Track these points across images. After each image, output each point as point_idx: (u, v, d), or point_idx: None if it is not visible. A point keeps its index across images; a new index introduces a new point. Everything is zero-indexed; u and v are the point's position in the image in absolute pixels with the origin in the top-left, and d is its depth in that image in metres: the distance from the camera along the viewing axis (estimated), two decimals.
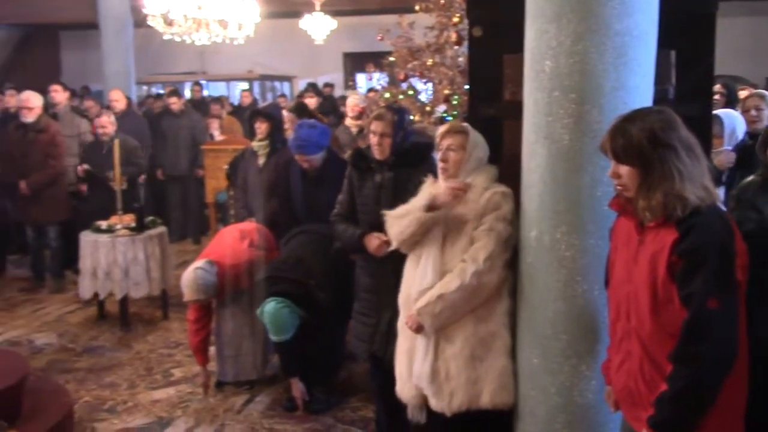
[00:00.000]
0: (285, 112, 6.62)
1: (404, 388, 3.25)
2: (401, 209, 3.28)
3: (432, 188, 3.27)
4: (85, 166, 7.01)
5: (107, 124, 6.98)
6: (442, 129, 3.35)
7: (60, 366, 5.36)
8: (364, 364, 4.53)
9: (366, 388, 4.64)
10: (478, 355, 3.06)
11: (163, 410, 4.61)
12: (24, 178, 7.00)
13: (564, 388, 2.81)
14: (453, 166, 3.19)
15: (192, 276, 4.56)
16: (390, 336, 3.66)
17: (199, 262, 4.66)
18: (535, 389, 2.91)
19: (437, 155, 3.36)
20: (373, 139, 3.79)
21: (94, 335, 6.02)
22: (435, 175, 3.50)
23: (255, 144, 5.47)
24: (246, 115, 7.73)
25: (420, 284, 3.15)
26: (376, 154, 3.78)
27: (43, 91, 7.73)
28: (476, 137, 3.23)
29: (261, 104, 12.13)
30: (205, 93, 12.93)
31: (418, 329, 3.14)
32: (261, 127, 5.40)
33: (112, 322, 6.26)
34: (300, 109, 6.44)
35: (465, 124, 3.28)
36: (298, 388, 4.48)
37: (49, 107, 7.65)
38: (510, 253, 3.05)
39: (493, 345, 3.06)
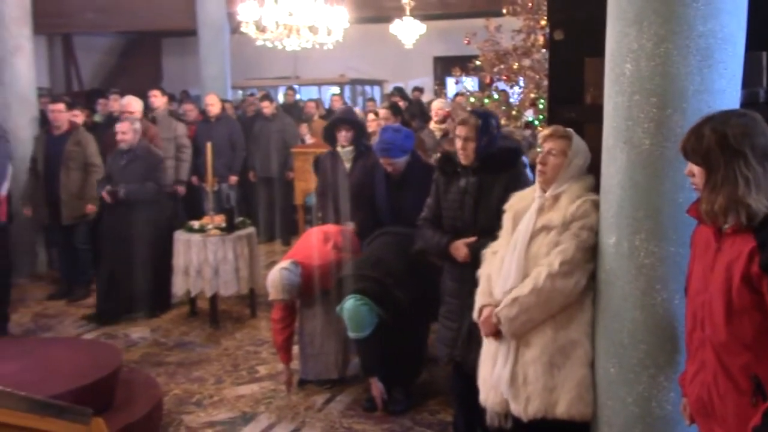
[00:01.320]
0: (382, 111, 6.71)
1: (489, 395, 3.22)
2: (495, 248, 3.25)
3: (522, 200, 3.24)
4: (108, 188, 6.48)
5: (128, 130, 6.50)
6: (544, 132, 3.29)
7: (152, 359, 5.59)
8: (446, 368, 4.54)
9: (446, 391, 4.64)
10: (557, 363, 3.01)
11: (247, 405, 4.74)
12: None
13: (642, 398, 2.74)
14: (551, 171, 3.12)
15: (277, 276, 4.68)
16: (471, 342, 3.67)
17: (284, 263, 4.78)
18: (611, 399, 2.85)
19: (532, 158, 3.34)
20: (458, 144, 3.82)
21: (185, 331, 6.26)
22: (520, 181, 3.50)
23: (340, 150, 5.51)
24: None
25: (503, 286, 3.13)
26: (461, 158, 3.80)
27: (145, 96, 8.09)
28: (579, 144, 3.14)
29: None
30: (298, 97, 13.22)
31: (492, 333, 3.13)
32: (346, 136, 5.39)
33: (203, 318, 6.49)
34: (395, 109, 6.57)
35: (569, 129, 3.18)
36: (377, 387, 4.52)
37: (148, 111, 7.99)
38: (594, 263, 2.99)
39: (572, 354, 3.00)
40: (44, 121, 7.70)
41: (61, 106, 7.10)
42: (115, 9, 13.53)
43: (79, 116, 7.75)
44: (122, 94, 8.71)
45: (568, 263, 2.96)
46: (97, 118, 9.46)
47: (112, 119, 8.65)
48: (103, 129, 8.21)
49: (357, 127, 5.50)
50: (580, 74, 3.30)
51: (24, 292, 7.37)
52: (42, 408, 2.23)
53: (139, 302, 6.49)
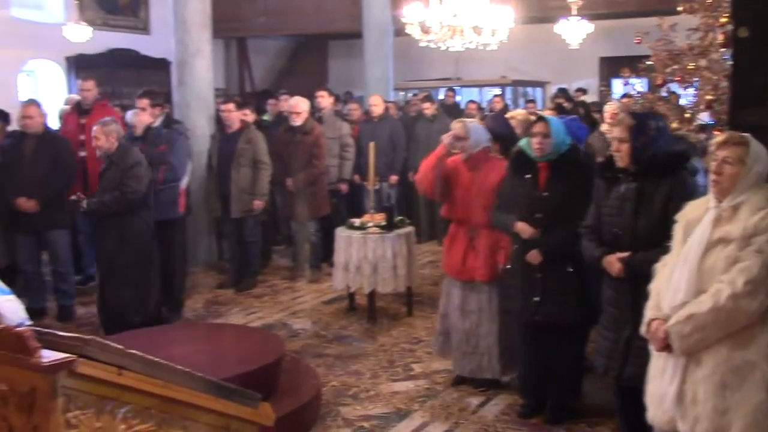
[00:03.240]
0: (547, 112, 6.61)
1: (656, 412, 3.08)
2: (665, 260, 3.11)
3: (695, 209, 3.07)
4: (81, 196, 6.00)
5: (99, 134, 5.76)
6: (718, 138, 3.09)
7: (312, 351, 5.79)
8: (604, 379, 4.39)
9: (604, 403, 4.49)
10: (730, 384, 2.82)
11: (402, 402, 4.80)
12: (290, 177, 7.67)
13: None
14: (728, 181, 2.93)
15: None
16: (629, 354, 3.54)
17: None
18: None
19: (706, 165, 3.16)
20: (613, 145, 3.70)
21: (343, 325, 6.43)
22: (685, 188, 3.32)
23: None
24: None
25: (672, 300, 2.98)
26: (617, 160, 3.67)
27: (311, 97, 8.40)
28: (758, 150, 2.94)
29: (511, 109, 12.14)
30: (458, 98, 13.24)
31: (662, 348, 2.99)
32: (494, 148, 5.31)
33: (361, 314, 6.64)
34: (560, 110, 6.44)
35: (746, 135, 2.99)
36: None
37: (315, 111, 8.29)
38: None
39: (749, 376, 2.80)
40: (220, 120, 8.17)
41: (231, 105, 7.50)
42: (286, 13, 14.17)
43: (249, 116, 8.16)
44: (291, 94, 9.09)
45: (752, 282, 2.76)
46: (266, 117, 9.94)
47: (281, 119, 9.06)
48: (272, 128, 8.61)
49: (500, 139, 5.33)
50: (766, 75, 3.08)
51: (197, 280, 7.86)
52: (216, 389, 2.36)
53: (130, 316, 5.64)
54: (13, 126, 7.13)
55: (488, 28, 7.88)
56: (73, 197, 5.96)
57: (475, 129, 4.91)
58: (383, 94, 10.46)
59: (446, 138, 4.89)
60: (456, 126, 4.94)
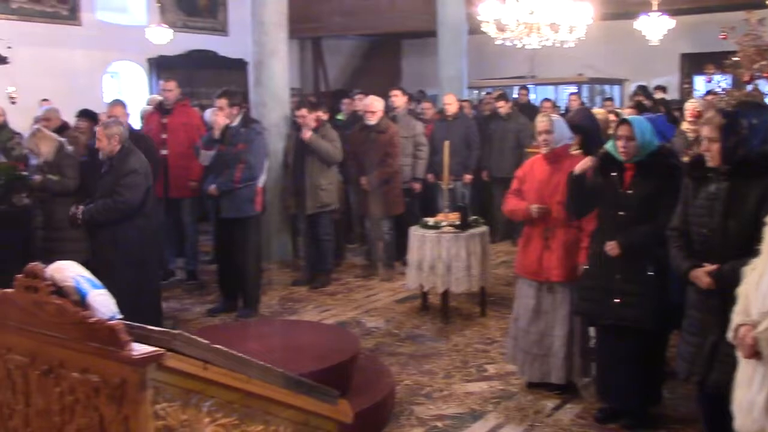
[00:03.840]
0: (626, 110, 6.49)
1: (745, 422, 2.97)
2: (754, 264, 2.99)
3: None
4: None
5: (101, 136, 5.50)
6: None
7: (385, 349, 5.80)
8: (685, 385, 4.27)
9: (685, 410, 4.37)
10: None
11: (476, 403, 4.77)
12: (365, 175, 7.71)
13: None
14: None
15: None
16: (714, 360, 3.43)
17: None
18: None
19: None
20: (703, 145, 3.58)
21: (416, 324, 6.43)
22: None
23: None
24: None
25: (762, 305, 2.87)
26: (708, 160, 3.56)
27: (385, 96, 8.43)
28: None
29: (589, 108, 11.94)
30: (532, 96, 13.08)
31: (750, 354, 2.88)
32: (574, 140, 5.23)
33: (434, 313, 6.63)
34: (640, 108, 6.30)
35: None
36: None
37: (389, 110, 8.32)
38: None
39: None
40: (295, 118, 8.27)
41: (303, 111, 7.51)
42: (361, 13, 14.28)
43: (323, 115, 8.23)
44: (365, 94, 9.15)
45: None
46: (341, 116, 10.02)
47: (355, 118, 9.13)
48: (347, 128, 8.68)
49: (583, 131, 5.24)
50: None
51: (272, 277, 7.98)
52: (296, 385, 2.40)
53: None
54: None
55: (566, 25, 7.74)
56: (72, 209, 5.56)
57: (560, 124, 4.85)
58: (457, 92, 10.40)
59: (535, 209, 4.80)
60: (541, 119, 4.88)
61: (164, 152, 7.44)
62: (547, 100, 11.56)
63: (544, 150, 4.81)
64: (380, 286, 7.70)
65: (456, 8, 11.85)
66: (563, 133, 4.82)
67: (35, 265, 2.17)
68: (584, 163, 4.36)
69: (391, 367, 5.23)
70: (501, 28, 7.85)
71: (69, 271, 2.18)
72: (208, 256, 8.47)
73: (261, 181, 6.78)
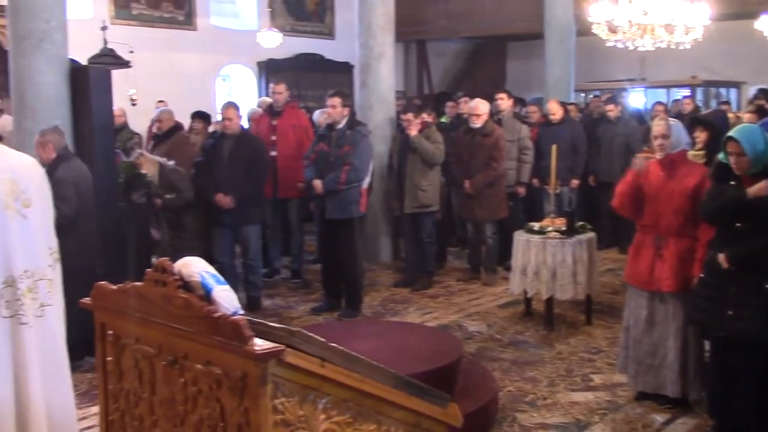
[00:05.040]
0: (746, 115, 6.25)
1: None
2: None
3: None
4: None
5: (36, 144, 5.26)
6: None
7: (488, 354, 5.76)
8: None
9: None
10: None
11: (581, 413, 4.67)
12: (468, 178, 7.68)
13: None
14: None
15: None
16: None
17: None
18: None
19: None
20: None
21: (519, 330, 6.35)
22: None
23: (691, 153, 5.17)
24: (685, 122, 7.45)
25: None
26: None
27: (490, 99, 8.37)
28: None
29: (704, 111, 11.50)
30: (642, 100, 12.71)
31: None
32: (700, 136, 5.07)
33: (537, 320, 6.53)
34: (761, 113, 6.07)
35: None
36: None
37: (494, 113, 8.26)
38: None
39: None
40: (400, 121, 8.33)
41: (409, 116, 7.56)
42: (467, 15, 14.24)
43: (428, 118, 8.25)
44: (469, 97, 9.12)
45: None
46: (444, 119, 10.03)
47: (459, 121, 9.12)
48: (451, 130, 8.67)
49: (713, 129, 5.05)
50: None
51: (374, 278, 8.07)
52: (407, 386, 2.42)
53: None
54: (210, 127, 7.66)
55: (681, 26, 7.49)
56: None
57: (677, 128, 4.68)
58: (563, 94, 10.24)
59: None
60: (658, 123, 4.73)
61: (273, 153, 7.63)
62: (659, 103, 11.20)
63: (659, 155, 4.66)
64: (482, 290, 7.65)
65: (564, 10, 11.66)
66: (680, 138, 4.66)
67: (164, 260, 2.28)
68: (760, 189, 3.98)
69: (493, 372, 5.18)
70: (613, 30, 7.67)
71: (195, 267, 2.28)
72: (312, 256, 8.64)
73: (366, 182, 6.86)
